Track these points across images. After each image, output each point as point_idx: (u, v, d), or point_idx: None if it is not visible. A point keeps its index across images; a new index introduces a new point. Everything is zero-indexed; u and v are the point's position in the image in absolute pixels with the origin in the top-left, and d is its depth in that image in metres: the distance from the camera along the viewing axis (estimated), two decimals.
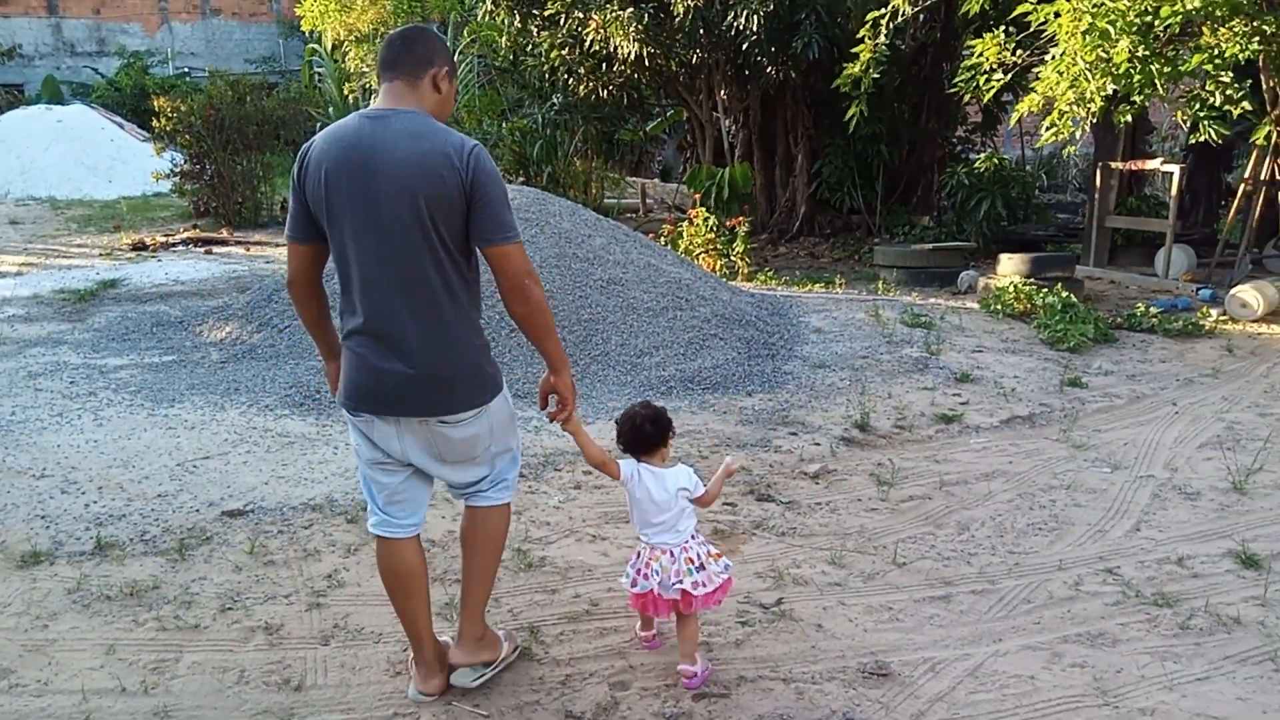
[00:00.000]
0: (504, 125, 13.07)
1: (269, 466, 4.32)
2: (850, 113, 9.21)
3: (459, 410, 2.48)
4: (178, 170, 13.12)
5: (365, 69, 13.08)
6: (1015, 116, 8.32)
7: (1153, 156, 12.09)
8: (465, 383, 2.48)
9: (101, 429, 4.77)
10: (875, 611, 3.17)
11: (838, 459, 4.63)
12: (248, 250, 11.03)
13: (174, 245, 11.25)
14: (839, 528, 3.84)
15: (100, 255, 10.59)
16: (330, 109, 13.57)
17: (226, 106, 12.71)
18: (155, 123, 12.85)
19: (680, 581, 2.67)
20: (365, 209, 2.35)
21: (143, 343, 6.67)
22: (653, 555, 2.72)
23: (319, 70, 15.28)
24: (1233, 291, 7.71)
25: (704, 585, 2.69)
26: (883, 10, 8.78)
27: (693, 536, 2.77)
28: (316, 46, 15.03)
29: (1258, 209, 8.68)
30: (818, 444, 4.80)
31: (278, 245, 11.24)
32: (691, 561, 2.71)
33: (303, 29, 15.11)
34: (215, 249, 11.04)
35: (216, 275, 9.17)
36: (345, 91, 13.45)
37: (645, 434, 2.74)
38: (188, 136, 12.73)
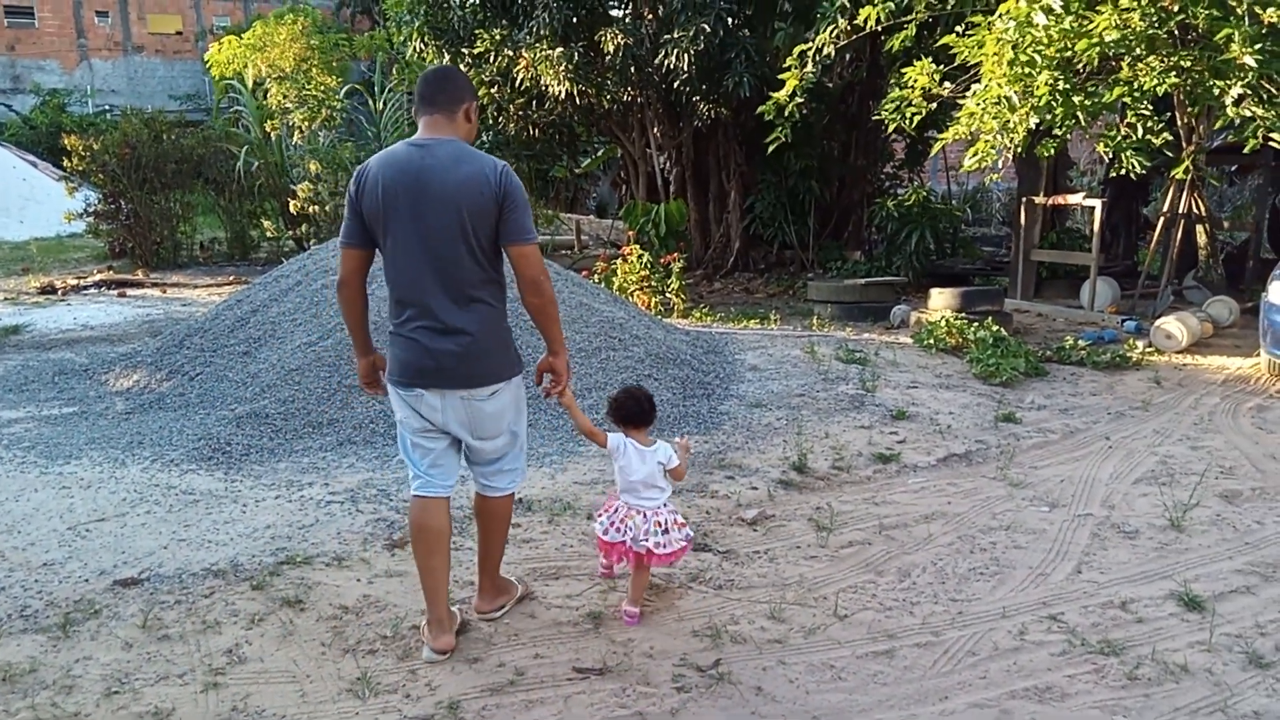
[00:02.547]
0: None
1: (170, 528, 4.02)
2: (772, 136, 9.15)
3: (491, 382, 3.01)
4: (92, 210, 12.63)
5: (288, 105, 12.78)
6: (939, 145, 8.40)
7: (1074, 191, 12.39)
8: (496, 357, 3.02)
9: None
10: (817, 670, 3.01)
11: (775, 503, 4.49)
12: (164, 292, 10.60)
13: (85, 288, 10.76)
14: (778, 578, 3.69)
15: (3, 299, 10.06)
16: (245, 148, 13.21)
17: (143, 144, 12.29)
18: (67, 162, 12.36)
19: (646, 540, 3.21)
20: (418, 219, 2.89)
21: (42, 393, 6.27)
22: (629, 513, 3.27)
23: (240, 108, 14.94)
24: (1157, 323, 7.84)
25: (665, 546, 3.24)
26: (809, 44, 8.85)
27: (664, 505, 3.29)
28: (235, 83, 14.69)
29: (1177, 241, 8.89)
30: (755, 488, 4.66)
31: (196, 287, 10.83)
32: (660, 525, 3.24)
33: (212, 75, 14.76)
34: (130, 291, 10.59)
35: (129, 319, 8.76)
36: (268, 128, 13.12)
37: (642, 411, 3.32)
38: (101, 175, 12.27)
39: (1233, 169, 12.95)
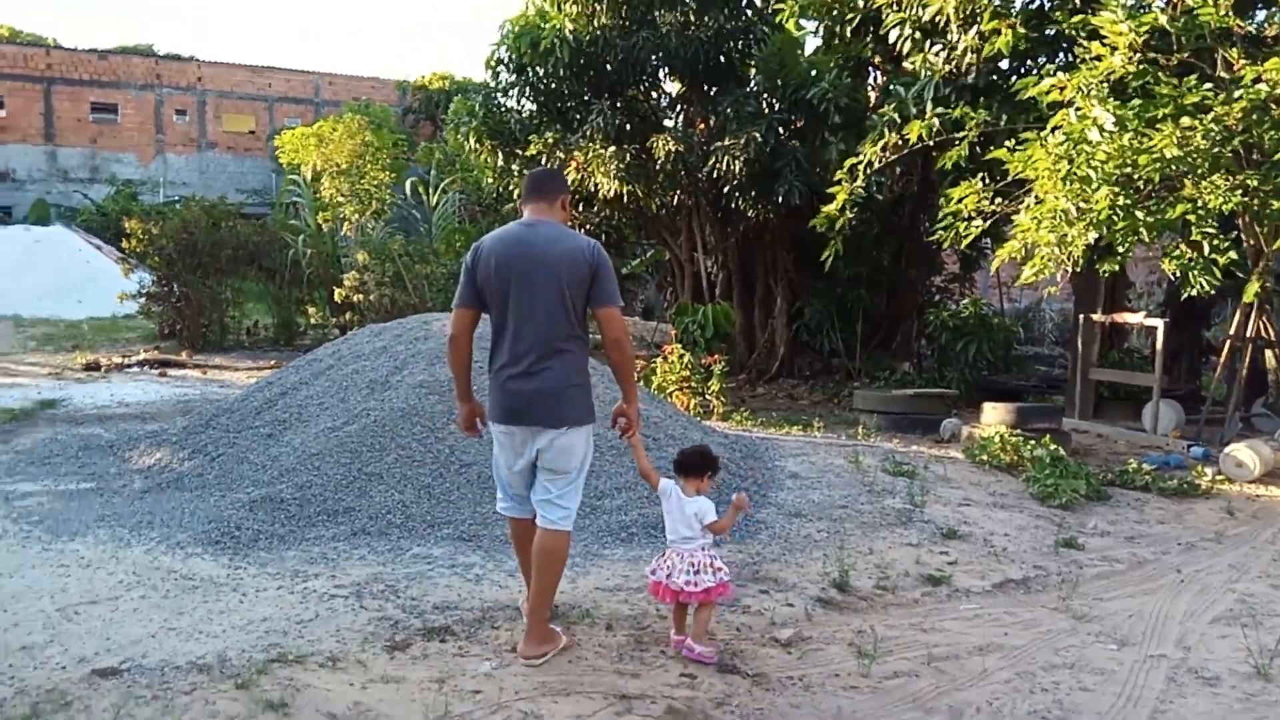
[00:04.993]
0: None
1: (161, 615, 3.76)
2: (826, 253, 9.11)
3: (569, 424, 3.54)
4: (144, 292, 12.85)
5: (340, 199, 13.06)
6: (996, 263, 8.17)
7: (1133, 311, 12.04)
8: (572, 402, 3.56)
9: None
10: None
11: (813, 623, 4.11)
12: (204, 373, 10.62)
13: (129, 366, 10.83)
14: (814, 710, 3.30)
15: (48, 374, 10.13)
16: (301, 237, 13.48)
17: (200, 230, 12.56)
18: (125, 244, 12.67)
19: (678, 578, 3.56)
20: (523, 284, 3.49)
21: (63, 467, 6.15)
22: (669, 555, 3.65)
23: (298, 199, 15.36)
24: (1227, 450, 7.38)
25: (694, 586, 3.56)
26: (859, 158, 8.80)
27: (702, 548, 3.63)
28: (295, 177, 15.12)
29: (1245, 366, 8.47)
30: (791, 605, 4.29)
31: (237, 369, 10.83)
32: (693, 566, 3.59)
33: (280, 162, 15.26)
34: (171, 371, 10.64)
35: (164, 398, 8.73)
36: (320, 220, 13.38)
37: (691, 464, 3.73)
38: (158, 258, 12.52)
39: None
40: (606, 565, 4.63)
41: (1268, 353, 8.94)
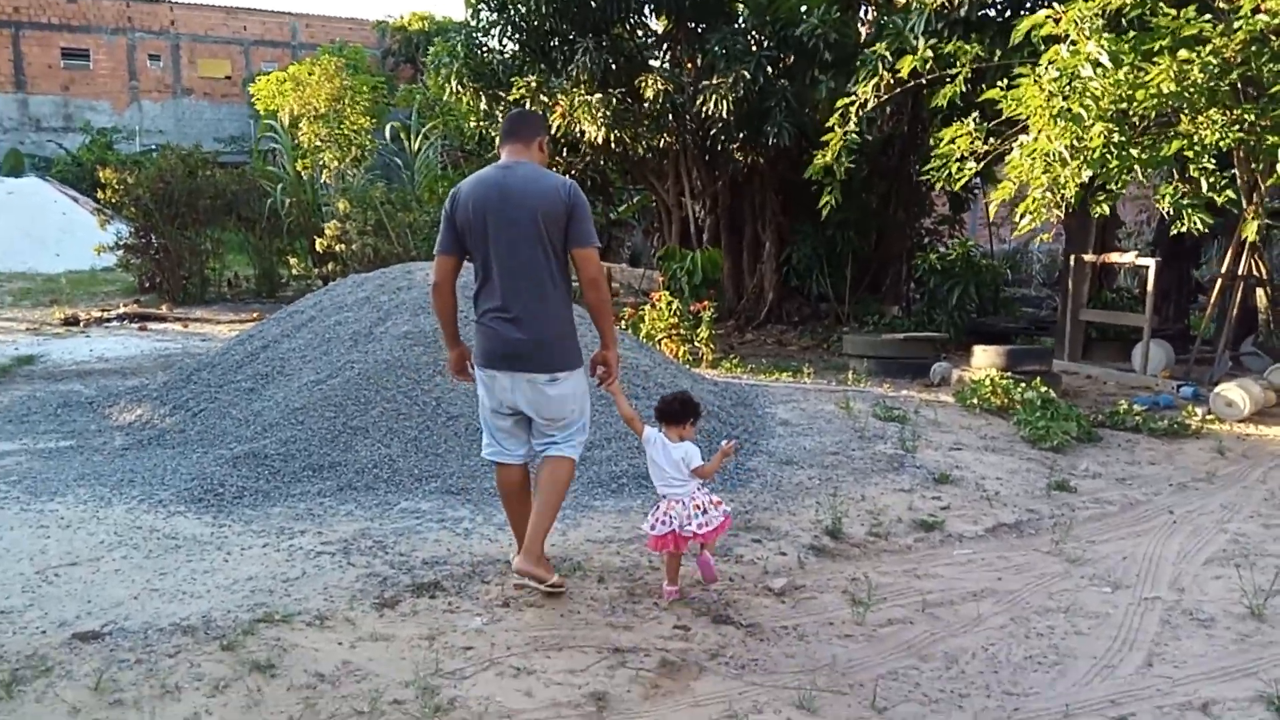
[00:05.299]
0: None
1: (144, 576, 3.70)
2: (823, 200, 8.97)
3: (555, 370, 3.53)
4: (122, 243, 12.59)
5: (319, 145, 12.74)
6: (993, 208, 8.04)
7: (1123, 250, 11.95)
8: (559, 348, 3.55)
9: None
10: None
11: (806, 572, 4.08)
12: (185, 327, 10.46)
13: (108, 321, 10.65)
14: (808, 659, 3.28)
15: (26, 330, 9.95)
16: (280, 185, 13.18)
17: (176, 180, 12.27)
18: (100, 195, 12.37)
19: (690, 524, 3.57)
20: (501, 224, 3.47)
21: (41, 425, 6.03)
22: (669, 505, 3.61)
23: (275, 146, 15.00)
24: (1217, 390, 7.36)
25: (707, 525, 3.61)
26: (850, 99, 8.60)
27: (698, 489, 3.66)
28: (272, 123, 14.76)
29: (1235, 305, 8.43)
30: (784, 553, 4.26)
31: (219, 323, 10.67)
32: (699, 507, 3.61)
33: (257, 108, 14.87)
34: (151, 325, 10.46)
35: (145, 353, 8.58)
36: (300, 167, 13.07)
37: (673, 411, 3.69)
38: (134, 209, 12.24)
39: None
40: (597, 517, 4.58)
41: (1258, 291, 8.89)
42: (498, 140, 3.74)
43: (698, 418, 3.79)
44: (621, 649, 3.27)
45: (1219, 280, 8.56)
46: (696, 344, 8.85)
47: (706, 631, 3.46)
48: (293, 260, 13.18)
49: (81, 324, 10.34)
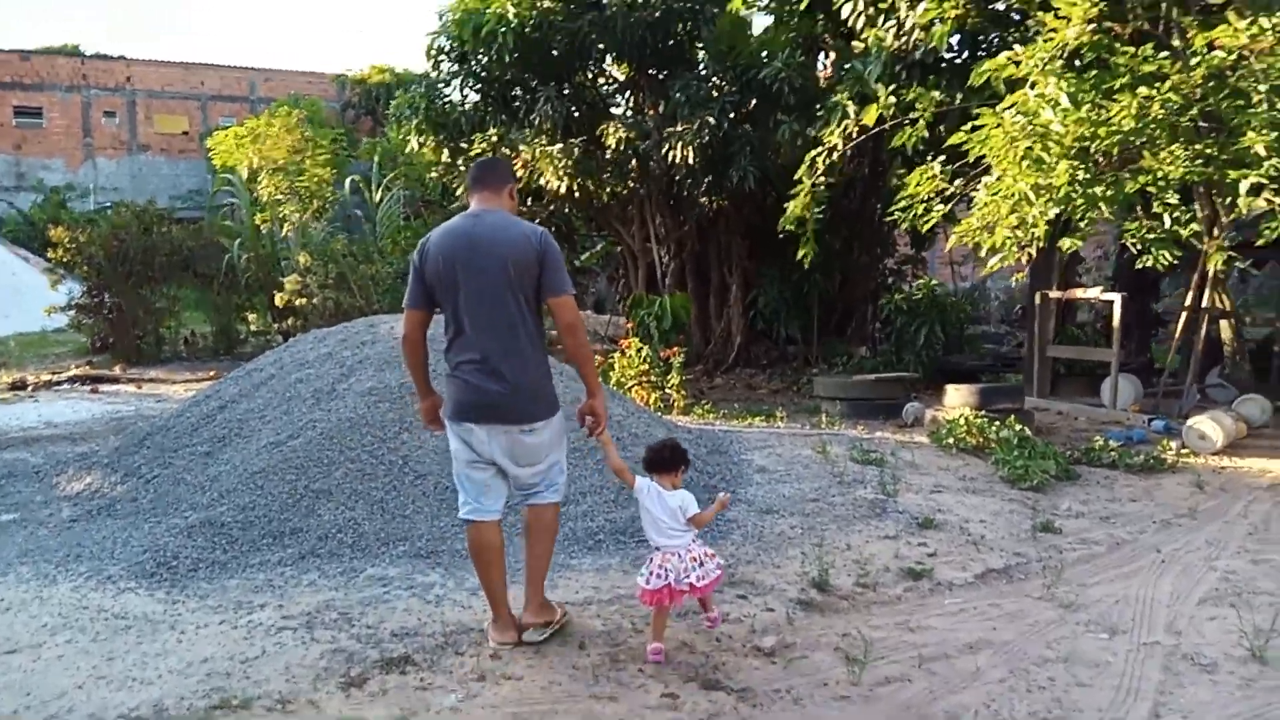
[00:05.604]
0: None
1: (90, 662, 3.43)
2: (801, 252, 8.97)
3: (534, 420, 3.47)
4: (74, 303, 12.25)
5: (279, 198, 12.56)
6: (952, 241, 8.04)
7: (1084, 286, 12.06)
8: (536, 398, 3.49)
9: None
10: None
11: (796, 628, 3.91)
12: (139, 388, 10.13)
13: (58, 384, 10.30)
14: None
15: None
16: (238, 240, 12.93)
17: (131, 237, 12.00)
18: (52, 254, 12.05)
19: (688, 577, 3.47)
20: (471, 275, 3.39)
21: None
22: (664, 557, 3.50)
23: (233, 200, 14.75)
24: (1190, 423, 7.35)
25: (704, 578, 3.52)
26: (819, 149, 8.62)
27: (693, 541, 3.56)
28: (229, 176, 14.54)
29: (1201, 338, 8.48)
30: (771, 609, 4.09)
31: (174, 382, 10.35)
32: (695, 560, 3.52)
33: (214, 164, 14.65)
34: (104, 387, 10.13)
35: (96, 416, 8.27)
36: (259, 221, 12.85)
37: (663, 459, 3.61)
38: (87, 268, 11.93)
39: (1248, 262, 12.68)
40: (575, 576, 4.38)
41: (1223, 323, 8.97)
42: (465, 189, 3.68)
43: (688, 465, 3.73)
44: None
45: (1183, 313, 8.62)
46: (668, 390, 8.73)
47: (696, 699, 3.27)
48: (251, 316, 12.89)
49: (29, 388, 9.98)
